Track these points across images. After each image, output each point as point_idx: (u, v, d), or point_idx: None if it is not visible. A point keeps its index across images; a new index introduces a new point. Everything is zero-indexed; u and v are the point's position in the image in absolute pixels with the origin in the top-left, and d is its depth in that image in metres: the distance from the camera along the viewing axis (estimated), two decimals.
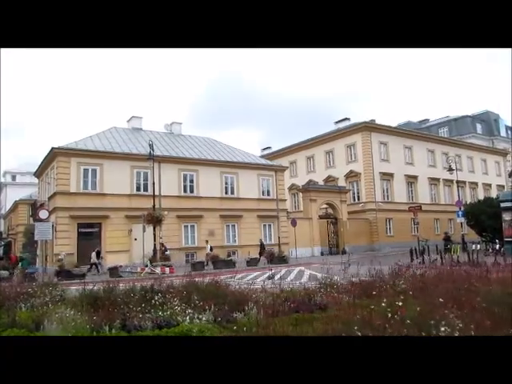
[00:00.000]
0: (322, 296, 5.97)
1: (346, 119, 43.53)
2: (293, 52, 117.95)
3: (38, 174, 32.08)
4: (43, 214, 21.71)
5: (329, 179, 41.23)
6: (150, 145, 23.54)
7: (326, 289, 6.36)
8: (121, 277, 19.99)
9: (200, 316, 4.98)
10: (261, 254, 26.52)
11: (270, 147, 56.38)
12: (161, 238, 25.63)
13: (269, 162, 35.31)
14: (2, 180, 63.74)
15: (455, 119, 58.74)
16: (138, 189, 27.32)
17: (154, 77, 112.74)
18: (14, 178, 63.00)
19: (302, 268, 21.27)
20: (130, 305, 5.65)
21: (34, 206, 31.34)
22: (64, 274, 19.83)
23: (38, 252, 28.23)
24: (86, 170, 25.87)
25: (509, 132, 60.60)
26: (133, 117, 33.55)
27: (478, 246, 19.71)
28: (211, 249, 26.24)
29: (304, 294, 6.06)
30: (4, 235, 56.06)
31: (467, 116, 58.31)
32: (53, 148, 25.42)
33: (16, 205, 48.88)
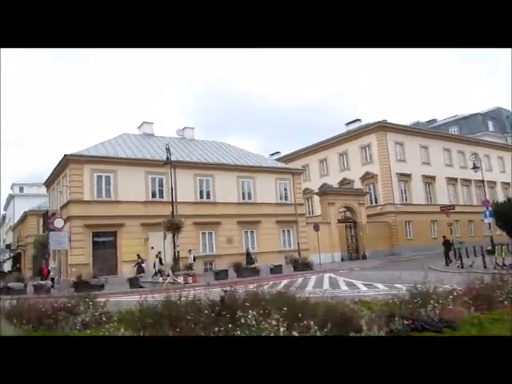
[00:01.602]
0: (435, 309, 4.92)
1: (357, 120, 42.68)
2: (294, 53, 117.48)
3: (49, 183, 31.20)
4: (58, 222, 20.74)
5: (344, 182, 40.14)
6: (167, 149, 22.62)
7: (436, 300, 5.22)
8: (142, 287, 19.13)
9: None
10: (248, 263, 24.83)
11: (279, 152, 55.38)
12: (178, 246, 24.63)
13: (286, 166, 34.33)
14: (10, 192, 63.32)
15: (465, 118, 57.64)
16: (154, 195, 26.40)
17: (150, 82, 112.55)
18: (21, 189, 62.56)
19: (332, 274, 20.20)
20: (212, 325, 4.50)
21: (46, 216, 30.42)
22: (82, 285, 18.92)
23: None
24: (99, 177, 24.97)
25: None
26: (144, 122, 32.73)
27: None
28: (194, 259, 24.65)
29: (413, 307, 4.96)
30: (13, 247, 55.21)
31: (478, 114, 57.20)
32: (65, 155, 24.56)
33: (25, 216, 48.07)
